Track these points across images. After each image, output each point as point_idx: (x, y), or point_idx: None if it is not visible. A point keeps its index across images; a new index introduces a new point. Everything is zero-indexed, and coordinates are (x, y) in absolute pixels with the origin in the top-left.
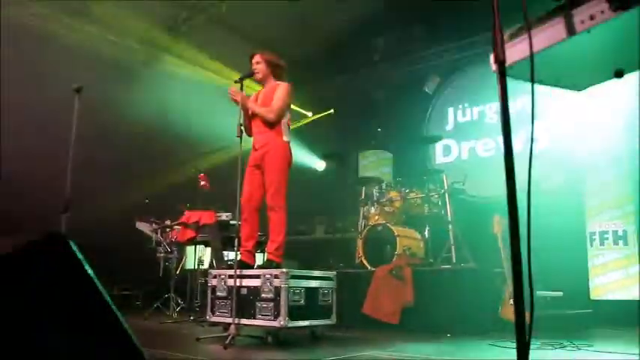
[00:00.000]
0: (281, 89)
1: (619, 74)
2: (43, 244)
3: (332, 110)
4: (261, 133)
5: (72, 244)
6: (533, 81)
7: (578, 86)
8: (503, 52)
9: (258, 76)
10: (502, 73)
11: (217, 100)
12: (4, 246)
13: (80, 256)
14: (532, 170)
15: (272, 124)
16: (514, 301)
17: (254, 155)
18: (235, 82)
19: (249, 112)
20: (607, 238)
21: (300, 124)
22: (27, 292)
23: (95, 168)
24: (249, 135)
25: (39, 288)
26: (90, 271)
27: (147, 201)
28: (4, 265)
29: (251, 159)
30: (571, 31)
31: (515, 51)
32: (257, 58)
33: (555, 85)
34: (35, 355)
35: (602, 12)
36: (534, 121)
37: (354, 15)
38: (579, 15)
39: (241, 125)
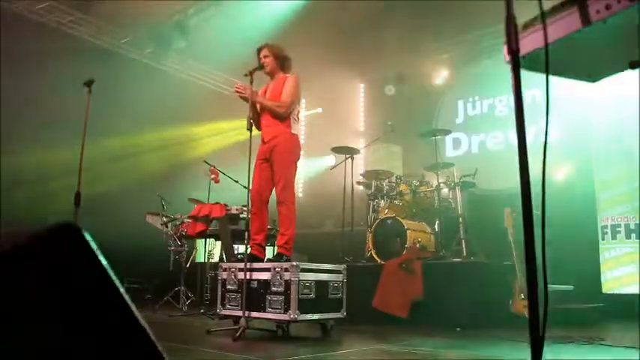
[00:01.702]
0: (290, 82)
1: (634, 65)
2: (58, 234)
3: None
4: (270, 127)
5: (87, 235)
6: (547, 72)
7: (593, 77)
8: (517, 43)
9: (267, 69)
10: (516, 64)
11: (226, 94)
12: (19, 237)
13: (95, 247)
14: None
15: (281, 118)
16: (528, 296)
17: (263, 149)
18: (245, 75)
19: (258, 106)
20: (619, 232)
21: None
22: (41, 283)
23: (106, 161)
24: (259, 129)
25: (53, 280)
26: (105, 263)
27: (157, 194)
28: (19, 257)
29: (260, 152)
30: (586, 21)
31: (529, 41)
32: (265, 51)
33: (569, 77)
34: (49, 348)
35: (619, 1)
36: (549, 112)
37: (363, 7)
38: (595, 4)
39: (250, 119)
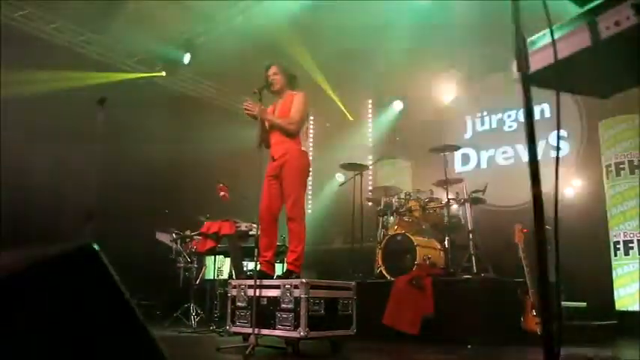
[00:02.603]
0: (299, 99)
1: None
2: (75, 256)
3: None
4: (279, 144)
5: (103, 257)
6: (558, 89)
7: (603, 94)
8: (527, 60)
9: (276, 87)
10: (526, 82)
11: (235, 111)
12: (34, 256)
13: (111, 270)
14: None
15: (291, 135)
16: (541, 312)
17: (272, 165)
18: (253, 93)
19: (267, 124)
20: (632, 248)
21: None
22: (55, 305)
23: (116, 178)
24: (267, 147)
25: (68, 302)
26: (121, 287)
27: (167, 211)
28: (34, 277)
29: (269, 169)
30: (596, 37)
31: (539, 59)
32: (274, 69)
33: (580, 93)
34: None
35: (628, 18)
36: (559, 128)
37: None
38: (604, 21)
39: (259, 136)
